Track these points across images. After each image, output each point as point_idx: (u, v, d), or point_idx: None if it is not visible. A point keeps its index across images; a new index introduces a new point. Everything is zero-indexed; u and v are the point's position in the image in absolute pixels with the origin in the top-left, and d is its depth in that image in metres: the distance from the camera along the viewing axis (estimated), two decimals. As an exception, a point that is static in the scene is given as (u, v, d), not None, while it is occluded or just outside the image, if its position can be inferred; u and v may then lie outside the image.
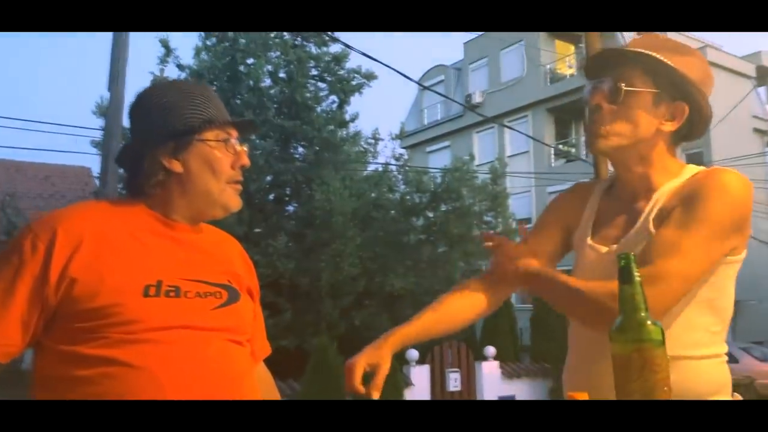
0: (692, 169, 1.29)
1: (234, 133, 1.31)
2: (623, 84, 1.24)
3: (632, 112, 1.25)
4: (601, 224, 1.35)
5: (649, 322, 0.92)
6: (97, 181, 9.77)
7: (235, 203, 1.30)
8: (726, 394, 1.23)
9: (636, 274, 0.93)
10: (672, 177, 1.27)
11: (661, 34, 1.33)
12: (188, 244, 1.27)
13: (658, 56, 1.23)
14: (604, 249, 1.30)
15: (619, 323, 0.94)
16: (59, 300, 1.12)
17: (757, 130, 22.13)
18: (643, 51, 1.25)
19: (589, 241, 1.34)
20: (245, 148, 1.32)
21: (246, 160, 1.31)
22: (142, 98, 1.31)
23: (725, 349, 1.26)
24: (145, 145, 1.25)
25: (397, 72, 7.92)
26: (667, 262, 1.12)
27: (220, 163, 1.26)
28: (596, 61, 1.34)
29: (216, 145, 1.27)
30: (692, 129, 1.29)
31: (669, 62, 1.23)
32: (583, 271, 1.33)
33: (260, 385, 1.34)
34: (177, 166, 1.24)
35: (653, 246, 1.17)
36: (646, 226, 1.24)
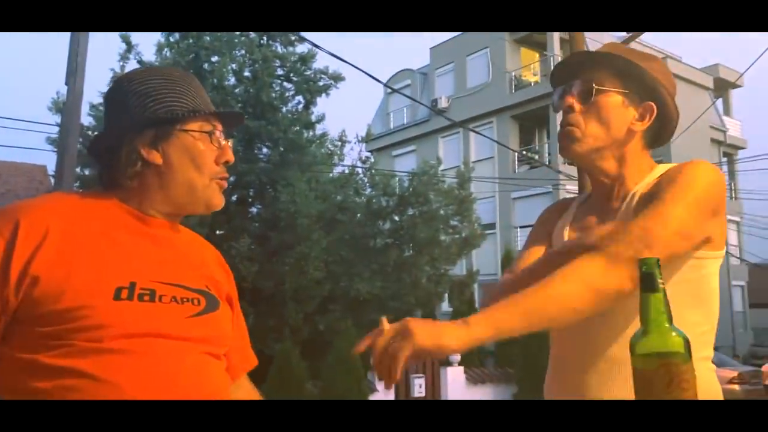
0: (664, 167, 1.28)
1: (219, 125, 1.19)
2: (594, 84, 1.25)
3: (604, 113, 1.26)
4: (576, 227, 1.34)
5: (674, 334, 0.83)
6: (52, 180, 9.42)
7: (218, 200, 1.19)
8: None
9: (660, 280, 0.84)
10: (645, 175, 1.27)
11: (623, 44, 1.37)
12: (165, 242, 1.15)
13: (627, 58, 1.26)
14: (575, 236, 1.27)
15: (640, 335, 0.84)
16: (20, 301, 0.99)
17: (714, 141, 22.75)
18: (612, 53, 1.27)
19: (565, 236, 1.32)
20: (230, 143, 1.21)
21: (230, 156, 1.20)
22: (121, 83, 1.18)
23: (712, 353, 1.20)
24: (122, 133, 1.12)
25: (365, 73, 7.82)
26: (645, 222, 1.09)
27: (204, 157, 1.15)
28: (564, 66, 1.34)
29: (200, 137, 1.15)
30: (661, 130, 1.31)
31: (638, 63, 1.26)
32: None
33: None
34: (156, 157, 1.13)
35: (632, 218, 1.16)
36: (625, 219, 1.20)
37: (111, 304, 1.01)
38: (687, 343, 0.83)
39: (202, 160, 1.15)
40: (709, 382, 1.16)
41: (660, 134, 1.31)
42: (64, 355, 0.97)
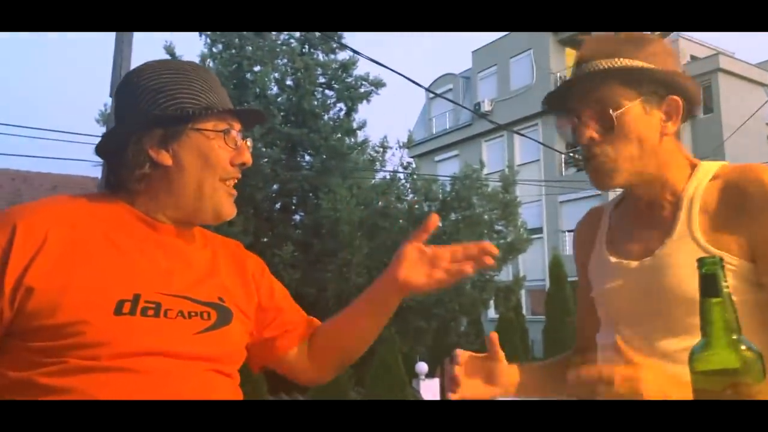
0: (707, 166, 1.15)
1: (236, 124, 1.11)
2: (611, 109, 1.11)
3: (630, 131, 1.13)
4: (619, 240, 1.21)
5: (743, 347, 0.70)
6: (101, 191, 9.66)
7: (227, 209, 1.10)
8: None
9: (724, 283, 0.72)
10: (687, 175, 1.15)
11: (604, 33, 1.19)
12: (174, 250, 1.06)
13: (632, 64, 1.12)
14: (633, 264, 1.14)
15: (701, 349, 0.72)
16: (15, 313, 0.91)
17: (771, 138, 21.82)
18: (613, 66, 1.12)
19: (612, 258, 1.19)
20: (248, 144, 1.11)
21: (248, 158, 1.10)
22: (131, 77, 1.10)
23: None
24: (131, 132, 1.05)
25: (407, 78, 7.73)
26: None
27: (218, 157, 1.07)
28: (561, 92, 1.21)
29: (214, 136, 1.07)
30: (689, 113, 1.19)
31: (644, 65, 1.12)
32: (610, 294, 1.18)
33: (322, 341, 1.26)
34: (166, 158, 1.05)
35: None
36: (690, 234, 1.09)
37: (111, 320, 0.93)
38: (760, 359, 0.70)
39: (216, 161, 1.07)
40: None
41: (689, 116, 1.19)
42: (58, 373, 0.90)
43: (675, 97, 1.13)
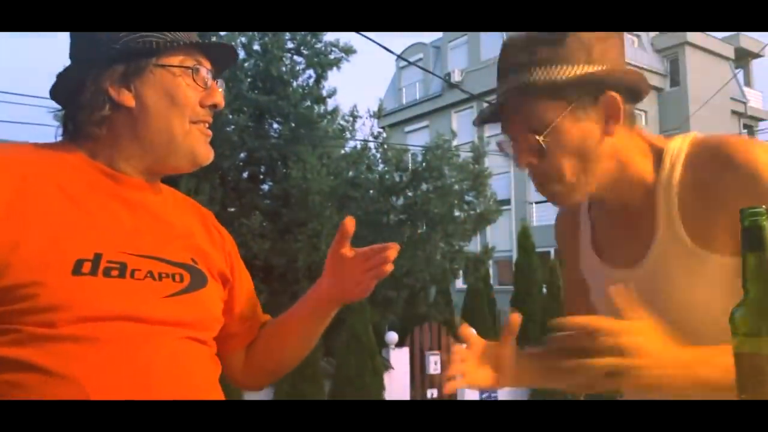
0: (674, 148, 1.04)
1: (206, 62, 1.00)
2: (538, 136, 1.02)
3: (565, 147, 1.02)
4: (605, 243, 1.14)
5: (790, 305, 0.63)
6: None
7: (203, 151, 0.99)
8: None
9: (770, 236, 0.64)
10: (652, 163, 1.05)
11: (520, 37, 1.06)
12: (141, 206, 0.96)
13: (549, 76, 1.00)
14: (621, 272, 1.08)
15: (744, 309, 0.65)
16: None
17: (735, 113, 22.24)
18: (531, 81, 1.01)
19: (603, 265, 1.13)
20: (220, 85, 1.00)
21: (220, 99, 1.00)
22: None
23: None
24: (87, 70, 0.93)
25: (378, 44, 7.58)
26: None
27: (186, 96, 0.96)
28: (489, 116, 1.15)
29: (181, 73, 0.96)
30: (634, 99, 1.07)
31: (565, 74, 0.99)
32: (608, 303, 1.09)
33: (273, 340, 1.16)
34: (127, 98, 0.94)
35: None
36: (674, 237, 1.01)
37: (69, 280, 0.83)
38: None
39: (184, 100, 0.96)
40: None
41: (635, 101, 1.08)
42: (8, 343, 0.80)
43: (611, 93, 1.02)
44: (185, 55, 0.98)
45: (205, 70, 1.00)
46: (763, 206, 0.66)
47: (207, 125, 1.01)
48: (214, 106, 1.01)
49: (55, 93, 1.00)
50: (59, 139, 1.00)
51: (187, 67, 0.98)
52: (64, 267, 0.83)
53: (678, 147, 1.05)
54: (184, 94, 0.97)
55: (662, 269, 1.03)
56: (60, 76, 1.00)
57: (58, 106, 1.05)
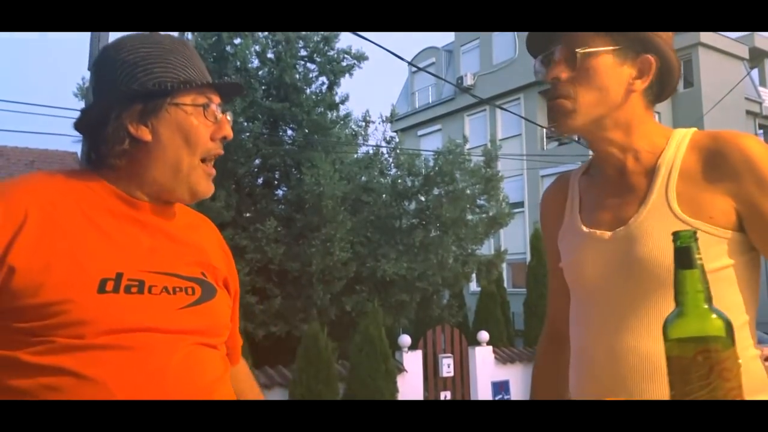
0: (682, 132, 1.14)
1: (216, 98, 1.10)
2: (578, 48, 1.09)
3: (596, 77, 1.11)
4: (590, 208, 1.19)
5: (714, 316, 0.74)
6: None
7: (204, 187, 1.10)
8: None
9: (698, 256, 0.75)
10: (661, 143, 1.12)
11: None
12: (156, 228, 1.07)
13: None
14: (607, 234, 1.13)
15: (674, 317, 0.75)
16: None
17: (749, 113, 22.05)
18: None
19: (584, 228, 1.17)
20: (229, 117, 1.11)
21: (228, 131, 1.10)
22: (109, 51, 1.09)
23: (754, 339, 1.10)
24: (109, 107, 1.04)
25: (389, 52, 7.68)
26: None
27: (197, 133, 1.07)
28: (540, 34, 1.16)
29: (193, 111, 1.07)
30: (663, 85, 1.16)
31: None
32: (584, 263, 1.16)
33: (241, 385, 1.18)
34: (145, 134, 1.05)
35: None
36: (667, 204, 1.08)
37: (95, 298, 0.94)
38: (729, 327, 0.74)
39: (195, 137, 1.07)
40: (755, 371, 1.05)
41: (662, 90, 1.16)
42: (43, 352, 0.91)
43: (650, 56, 1.12)
44: (197, 93, 1.08)
45: (215, 105, 1.10)
46: (693, 229, 0.76)
47: (212, 163, 1.12)
48: (224, 138, 1.11)
49: (79, 125, 1.12)
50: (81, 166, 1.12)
51: (199, 105, 1.08)
52: (90, 286, 0.95)
53: (685, 132, 1.14)
54: (196, 133, 1.07)
55: (647, 230, 1.08)
56: (84, 111, 1.12)
57: (80, 135, 1.16)
